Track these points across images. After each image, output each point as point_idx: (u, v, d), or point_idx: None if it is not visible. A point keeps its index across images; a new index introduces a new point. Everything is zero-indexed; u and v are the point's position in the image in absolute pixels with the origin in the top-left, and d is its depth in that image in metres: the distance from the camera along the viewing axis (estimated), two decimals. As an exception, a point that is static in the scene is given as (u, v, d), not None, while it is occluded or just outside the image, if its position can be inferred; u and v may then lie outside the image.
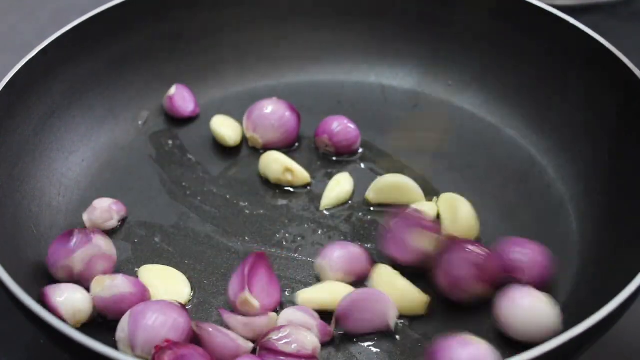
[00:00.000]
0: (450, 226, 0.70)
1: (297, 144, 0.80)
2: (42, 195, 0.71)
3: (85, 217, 0.71)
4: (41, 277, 0.65)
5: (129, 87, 0.81)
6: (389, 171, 0.76)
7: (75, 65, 0.77)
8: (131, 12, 0.80)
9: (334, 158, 0.78)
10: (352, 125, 0.78)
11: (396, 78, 0.86)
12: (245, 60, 0.86)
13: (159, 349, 0.57)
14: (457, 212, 0.70)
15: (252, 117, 0.78)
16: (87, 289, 0.64)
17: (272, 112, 0.78)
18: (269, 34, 0.86)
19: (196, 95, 0.83)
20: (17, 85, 0.70)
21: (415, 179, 0.75)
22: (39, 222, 0.69)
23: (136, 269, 0.68)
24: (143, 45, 0.82)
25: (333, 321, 0.63)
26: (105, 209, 0.71)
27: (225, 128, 0.79)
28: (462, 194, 0.73)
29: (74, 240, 0.64)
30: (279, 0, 0.86)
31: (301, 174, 0.75)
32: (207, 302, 0.66)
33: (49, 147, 0.74)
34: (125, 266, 0.69)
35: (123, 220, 0.72)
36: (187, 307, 0.64)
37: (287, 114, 0.78)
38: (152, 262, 0.69)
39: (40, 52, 0.73)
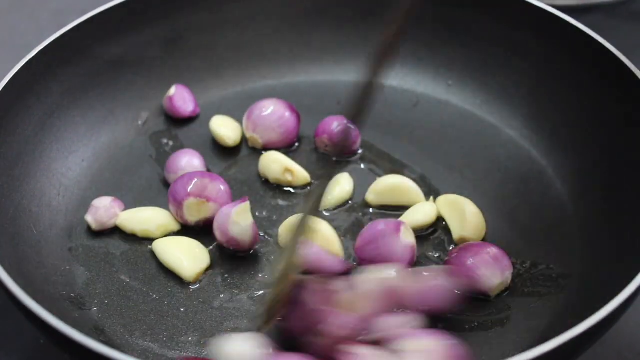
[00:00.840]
0: (458, 229, 0.70)
1: (297, 144, 0.80)
2: (42, 195, 0.71)
3: (89, 218, 0.71)
4: (41, 277, 0.65)
5: (129, 87, 0.81)
6: (389, 172, 0.76)
7: (75, 66, 0.77)
8: (131, 13, 0.80)
9: (334, 158, 0.78)
10: (351, 126, 0.78)
11: (396, 78, 0.85)
12: (245, 60, 0.86)
13: None
14: (464, 213, 0.70)
15: (252, 117, 0.78)
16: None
17: (272, 112, 0.78)
18: (269, 34, 0.86)
19: (196, 95, 0.83)
20: (17, 85, 0.70)
21: (415, 179, 0.75)
22: (38, 222, 0.69)
23: (149, 246, 0.70)
24: (143, 45, 0.82)
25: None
26: (108, 207, 0.71)
27: (225, 128, 0.79)
28: (462, 194, 0.73)
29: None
30: (278, 1, 0.86)
31: (301, 174, 0.75)
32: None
33: (49, 147, 0.74)
34: (124, 261, 0.69)
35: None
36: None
37: (287, 114, 0.78)
38: (153, 260, 0.69)
39: (40, 52, 0.73)
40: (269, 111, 0.78)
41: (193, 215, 0.70)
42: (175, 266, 0.68)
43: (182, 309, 0.66)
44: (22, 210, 0.69)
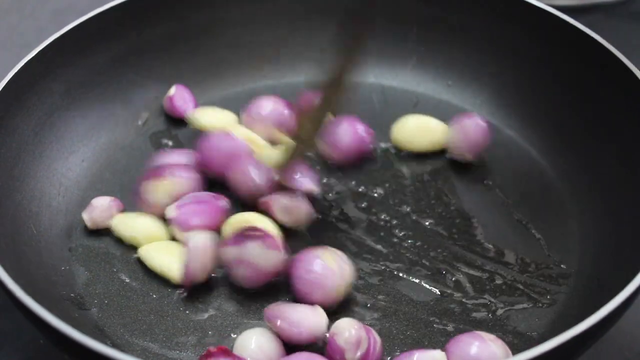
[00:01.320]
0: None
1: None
2: (42, 195, 0.71)
3: (86, 216, 0.71)
4: (41, 277, 0.65)
5: (129, 87, 0.81)
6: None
7: (75, 66, 0.77)
8: (131, 13, 0.80)
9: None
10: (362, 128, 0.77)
11: (396, 78, 0.86)
12: (245, 60, 0.86)
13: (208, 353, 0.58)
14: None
15: (251, 115, 0.78)
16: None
17: (271, 110, 0.77)
18: (269, 34, 0.86)
19: (196, 95, 0.83)
20: (17, 85, 0.70)
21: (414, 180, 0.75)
22: (38, 222, 0.69)
23: (135, 255, 0.69)
24: (143, 45, 0.82)
25: None
26: (106, 207, 0.71)
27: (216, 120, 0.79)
28: (462, 194, 0.73)
29: None
30: (278, 0, 0.86)
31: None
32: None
33: (49, 147, 0.74)
34: (124, 261, 0.69)
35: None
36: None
37: (286, 112, 0.78)
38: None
39: (40, 53, 0.73)
40: (268, 110, 0.78)
41: (158, 196, 0.70)
42: (166, 270, 0.67)
43: (181, 309, 0.66)
44: (22, 210, 0.69)
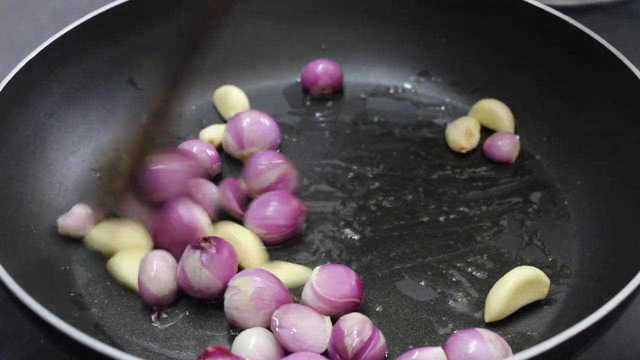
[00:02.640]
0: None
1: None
2: (42, 195, 0.71)
3: (60, 219, 0.70)
4: (41, 277, 0.65)
5: (129, 87, 0.81)
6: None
7: (75, 66, 0.77)
8: (131, 13, 0.80)
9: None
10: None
11: (396, 78, 0.86)
12: (245, 60, 0.86)
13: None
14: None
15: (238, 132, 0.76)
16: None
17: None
18: (269, 34, 0.86)
19: (196, 95, 0.83)
20: (17, 85, 0.70)
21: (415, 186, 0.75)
22: (38, 222, 0.69)
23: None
24: (142, 45, 0.82)
25: None
26: (83, 217, 0.70)
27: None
28: (463, 194, 0.73)
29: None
30: (279, 1, 0.86)
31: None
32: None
33: (49, 147, 0.74)
34: (125, 266, 0.69)
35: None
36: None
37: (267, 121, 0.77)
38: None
39: (40, 53, 0.73)
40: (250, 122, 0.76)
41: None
42: (130, 282, 0.67)
43: (181, 309, 0.66)
44: (22, 210, 0.69)
